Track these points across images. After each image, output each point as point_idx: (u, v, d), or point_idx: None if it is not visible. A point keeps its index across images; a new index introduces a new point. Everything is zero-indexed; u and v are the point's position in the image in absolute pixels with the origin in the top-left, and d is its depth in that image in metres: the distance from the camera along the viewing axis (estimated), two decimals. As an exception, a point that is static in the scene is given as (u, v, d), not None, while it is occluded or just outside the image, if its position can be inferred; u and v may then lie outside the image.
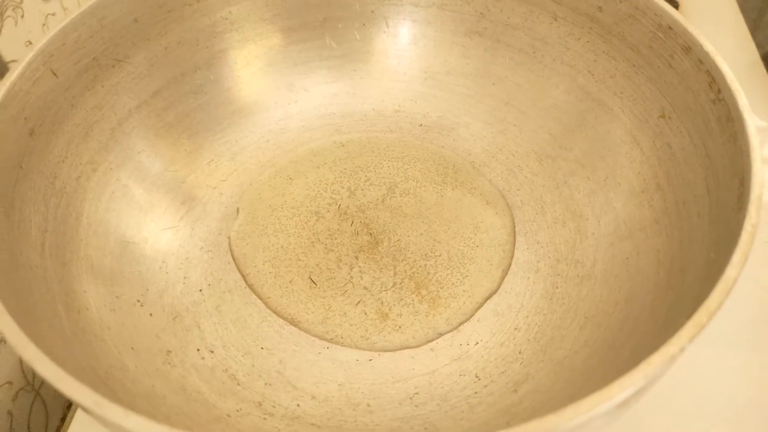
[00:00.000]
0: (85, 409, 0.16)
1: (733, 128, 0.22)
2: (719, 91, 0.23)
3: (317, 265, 0.30)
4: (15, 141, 0.25)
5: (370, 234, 0.31)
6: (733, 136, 0.22)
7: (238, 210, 0.32)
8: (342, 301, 0.29)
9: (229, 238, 0.31)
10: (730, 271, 0.18)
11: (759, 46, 0.46)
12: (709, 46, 0.24)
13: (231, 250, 0.31)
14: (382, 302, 0.29)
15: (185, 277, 0.30)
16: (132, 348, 0.25)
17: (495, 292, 0.29)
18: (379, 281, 0.30)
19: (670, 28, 0.26)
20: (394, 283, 0.29)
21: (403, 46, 0.37)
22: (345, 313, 0.29)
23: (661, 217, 0.26)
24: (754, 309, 0.32)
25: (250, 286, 0.30)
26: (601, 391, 0.15)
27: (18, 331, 0.18)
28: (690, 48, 0.25)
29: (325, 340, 0.28)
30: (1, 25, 0.32)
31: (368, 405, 0.26)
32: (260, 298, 0.29)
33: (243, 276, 0.30)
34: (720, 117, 0.23)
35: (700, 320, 0.17)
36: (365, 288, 0.29)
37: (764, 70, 0.44)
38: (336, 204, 0.33)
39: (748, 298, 0.32)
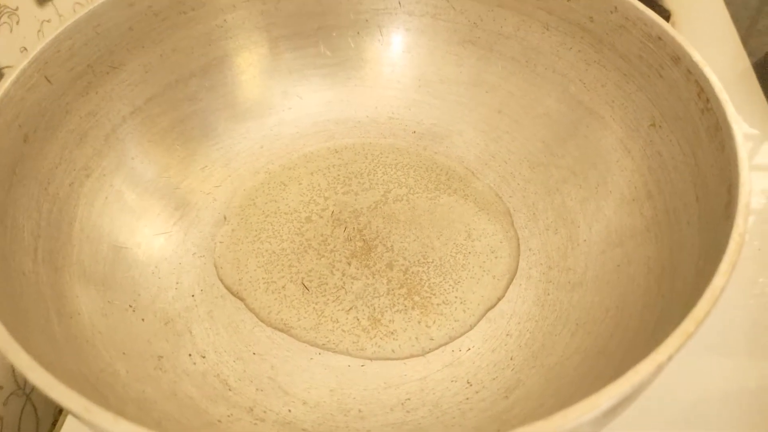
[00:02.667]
0: (74, 415, 0.16)
1: (721, 137, 0.22)
2: (708, 100, 0.24)
3: (310, 271, 0.30)
4: (8, 147, 0.25)
5: (363, 240, 0.32)
6: (721, 145, 0.22)
7: (225, 217, 0.32)
8: (334, 307, 0.29)
9: (214, 246, 0.31)
10: (718, 280, 0.18)
11: (750, 54, 0.46)
12: (697, 57, 0.25)
13: (215, 261, 0.31)
14: (374, 308, 0.29)
15: (178, 283, 0.30)
16: (123, 353, 0.25)
17: (489, 299, 0.29)
18: (371, 287, 0.30)
19: (659, 38, 0.27)
20: (387, 290, 0.30)
21: (397, 55, 0.37)
22: (337, 319, 0.29)
23: (651, 225, 0.26)
24: (748, 316, 0.32)
25: (241, 293, 0.30)
26: (588, 399, 0.16)
27: (8, 336, 0.18)
28: (679, 58, 0.26)
29: (317, 346, 0.28)
30: (-3, 31, 0.32)
31: (360, 411, 0.26)
32: (250, 309, 0.29)
33: (229, 285, 0.30)
34: (709, 126, 0.23)
35: (687, 328, 0.17)
36: (357, 294, 0.29)
37: (756, 79, 0.44)
38: (329, 210, 0.33)
39: (743, 305, 0.32)
